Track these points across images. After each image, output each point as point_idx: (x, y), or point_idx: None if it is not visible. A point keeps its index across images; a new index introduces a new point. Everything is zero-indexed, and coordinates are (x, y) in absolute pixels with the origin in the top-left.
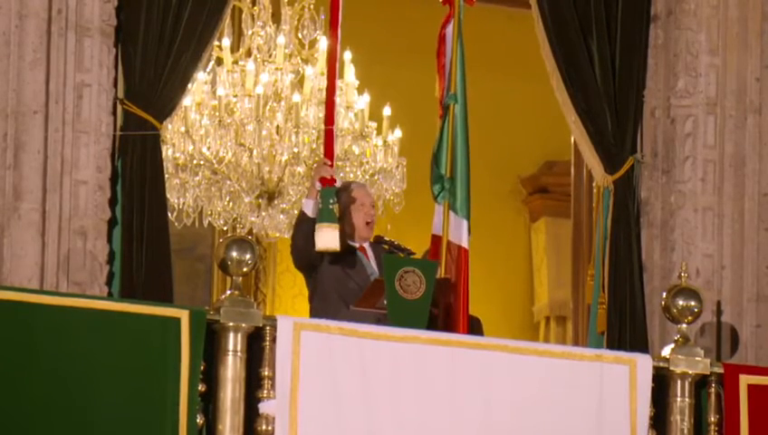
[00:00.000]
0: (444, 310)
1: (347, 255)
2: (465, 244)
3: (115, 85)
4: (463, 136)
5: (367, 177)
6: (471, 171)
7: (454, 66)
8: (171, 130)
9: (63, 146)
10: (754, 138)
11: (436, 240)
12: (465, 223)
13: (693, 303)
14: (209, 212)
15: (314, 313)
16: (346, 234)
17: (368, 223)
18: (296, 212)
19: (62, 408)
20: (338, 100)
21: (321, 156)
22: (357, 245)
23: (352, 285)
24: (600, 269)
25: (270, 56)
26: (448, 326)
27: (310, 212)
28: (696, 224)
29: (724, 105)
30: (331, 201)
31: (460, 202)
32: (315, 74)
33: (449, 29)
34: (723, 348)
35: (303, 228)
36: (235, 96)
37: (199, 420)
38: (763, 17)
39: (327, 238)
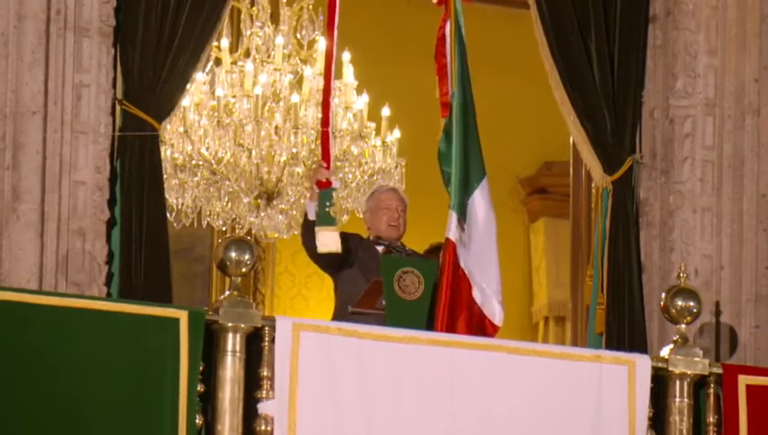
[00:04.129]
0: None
1: (373, 257)
2: (451, 236)
3: (114, 86)
4: (460, 132)
5: (366, 177)
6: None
7: (453, 64)
8: (170, 130)
9: (62, 146)
10: (753, 139)
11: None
12: (454, 214)
13: (692, 303)
14: (208, 213)
15: (336, 313)
16: (374, 236)
17: (391, 225)
18: (295, 213)
19: (61, 408)
20: (336, 100)
21: (319, 158)
22: (382, 248)
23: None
24: (598, 270)
25: (268, 57)
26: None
27: (311, 215)
28: (695, 224)
29: (723, 106)
30: (328, 204)
31: (453, 195)
32: (314, 75)
33: (448, 29)
34: (721, 348)
35: (306, 231)
36: (234, 97)
37: (198, 420)
38: (762, 18)
39: (326, 241)
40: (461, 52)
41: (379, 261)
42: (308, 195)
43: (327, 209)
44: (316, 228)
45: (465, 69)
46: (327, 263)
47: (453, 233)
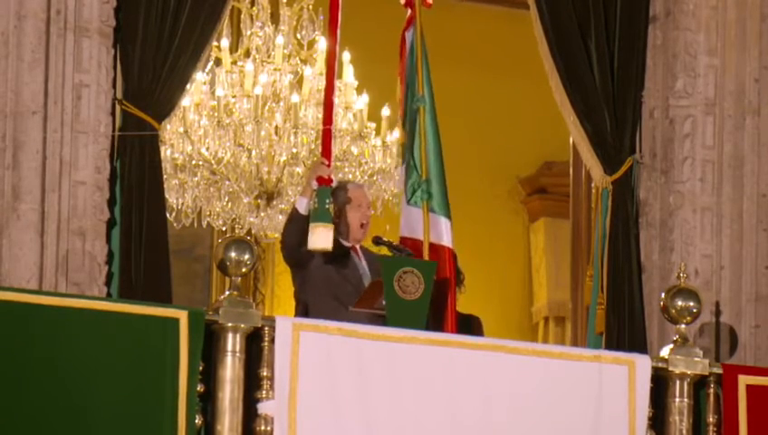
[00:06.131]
0: (438, 311)
1: (340, 254)
2: (449, 244)
3: (114, 86)
4: (434, 136)
5: (366, 177)
6: (468, 172)
7: (419, 68)
8: (170, 130)
9: (62, 146)
10: (753, 138)
11: (405, 242)
12: (447, 222)
13: (692, 303)
14: (208, 213)
15: (302, 308)
16: (340, 233)
17: (362, 224)
18: None
19: (61, 409)
20: (336, 100)
21: (319, 156)
22: (349, 244)
23: (345, 285)
24: (598, 270)
25: (269, 57)
26: (440, 326)
27: (302, 210)
28: (695, 224)
29: (723, 106)
30: (327, 201)
31: (438, 201)
32: (314, 75)
33: (409, 33)
34: (721, 348)
35: (294, 226)
36: (234, 97)
37: (198, 420)
38: (762, 18)
39: (320, 238)
40: (426, 56)
41: (348, 255)
42: (301, 190)
43: (327, 207)
44: (311, 224)
45: (429, 73)
46: (298, 261)
47: (449, 240)
